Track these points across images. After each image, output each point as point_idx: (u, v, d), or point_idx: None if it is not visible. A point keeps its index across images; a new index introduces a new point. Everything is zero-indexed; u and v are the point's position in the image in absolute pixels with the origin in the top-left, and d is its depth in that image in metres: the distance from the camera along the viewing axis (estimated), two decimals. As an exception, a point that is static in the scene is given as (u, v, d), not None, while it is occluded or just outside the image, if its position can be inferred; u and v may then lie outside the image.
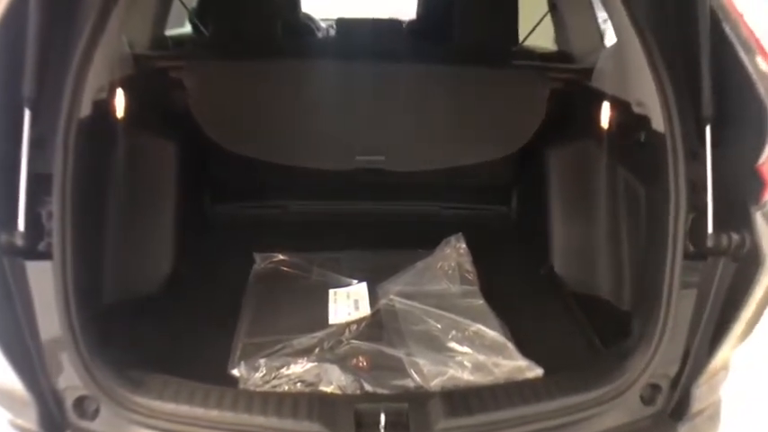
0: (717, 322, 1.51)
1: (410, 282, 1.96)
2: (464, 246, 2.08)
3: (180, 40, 2.53)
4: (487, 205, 2.51)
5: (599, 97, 1.98)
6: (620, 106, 1.87)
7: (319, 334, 1.72)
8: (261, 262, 2.09)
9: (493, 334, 1.75)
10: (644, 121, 1.63)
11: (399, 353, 1.65)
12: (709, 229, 1.46)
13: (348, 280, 1.99)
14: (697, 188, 1.47)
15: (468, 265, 2.05)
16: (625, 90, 1.78)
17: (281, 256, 2.11)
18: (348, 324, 1.78)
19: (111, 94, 1.76)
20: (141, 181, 1.90)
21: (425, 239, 2.10)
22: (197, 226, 2.26)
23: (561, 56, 2.58)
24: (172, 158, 2.03)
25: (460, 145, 2.20)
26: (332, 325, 1.78)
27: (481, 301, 1.91)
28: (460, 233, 2.10)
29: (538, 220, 2.18)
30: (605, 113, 1.96)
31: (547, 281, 2.08)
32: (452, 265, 2.03)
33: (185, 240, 2.03)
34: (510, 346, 1.71)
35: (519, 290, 2.04)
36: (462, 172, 2.32)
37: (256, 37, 2.23)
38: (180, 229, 2.00)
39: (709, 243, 1.45)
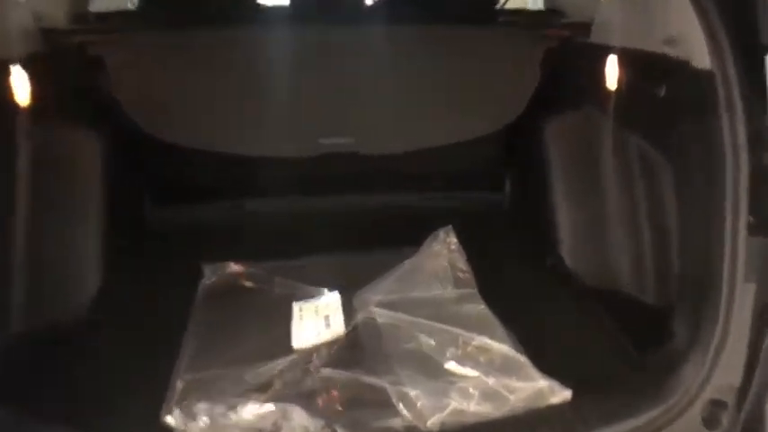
0: None
1: (394, 288, 1.58)
2: (455, 240, 1.72)
3: (105, 15, 2.14)
4: (477, 192, 2.14)
5: (603, 53, 1.64)
6: (632, 58, 1.54)
7: (280, 363, 1.35)
8: (211, 274, 1.71)
9: (502, 348, 1.39)
10: (674, 64, 1.29)
11: (384, 382, 1.28)
12: None
13: (317, 290, 1.61)
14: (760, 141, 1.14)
15: (461, 263, 1.68)
16: (645, 32, 1.44)
17: (235, 267, 1.73)
18: (317, 347, 1.41)
19: (5, 75, 1.39)
20: (57, 183, 1.56)
21: (409, 236, 1.73)
22: (133, 234, 1.88)
23: (552, 14, 2.22)
24: (97, 154, 1.67)
25: (443, 120, 1.83)
26: (296, 350, 1.40)
27: (482, 306, 1.54)
28: (450, 226, 1.73)
29: (538, 206, 1.84)
30: (612, 71, 1.63)
31: (556, 276, 1.74)
32: (444, 264, 1.66)
33: (118, 252, 1.67)
34: (526, 361, 1.35)
35: (524, 289, 1.69)
36: (446, 154, 1.95)
37: (191, 3, 1.85)
38: (110, 238, 1.65)
39: None
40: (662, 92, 1.42)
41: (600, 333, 1.51)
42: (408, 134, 1.83)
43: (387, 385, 1.27)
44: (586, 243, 1.72)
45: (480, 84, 1.80)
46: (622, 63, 1.61)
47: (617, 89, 1.62)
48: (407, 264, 1.65)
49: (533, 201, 1.89)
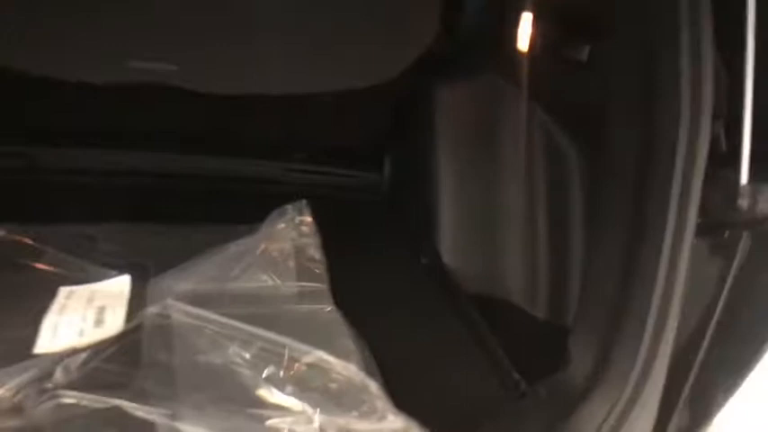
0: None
1: (209, 275, 1.14)
2: (309, 220, 1.28)
3: None
4: (350, 171, 1.70)
5: (514, 6, 1.28)
6: (551, 12, 1.21)
7: (14, 375, 0.87)
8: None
9: (346, 369, 0.97)
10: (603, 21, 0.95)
11: (154, 413, 0.83)
12: (743, 179, 0.77)
13: (102, 271, 1.14)
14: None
15: (313, 250, 1.25)
16: None
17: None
18: (72, 354, 0.94)
19: None
20: None
21: (248, 214, 1.28)
22: None
23: None
24: None
25: (305, 61, 1.38)
26: (39, 356, 0.93)
27: (329, 309, 1.12)
28: (304, 201, 1.29)
29: (420, 191, 1.46)
30: (524, 28, 1.26)
31: (432, 277, 1.36)
32: (287, 249, 1.23)
33: None
34: (376, 390, 0.94)
35: (391, 292, 1.28)
36: (310, 111, 1.52)
37: None
38: None
39: (741, 202, 0.77)
40: (585, 54, 1.08)
41: (479, 353, 1.13)
42: (253, 72, 1.37)
43: (157, 420, 0.82)
44: (471, 240, 1.36)
45: (358, 15, 1.37)
46: (539, 18, 1.25)
47: (530, 51, 1.26)
48: (237, 245, 1.21)
49: (415, 184, 1.51)
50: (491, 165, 1.31)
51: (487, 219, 1.32)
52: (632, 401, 0.83)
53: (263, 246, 1.21)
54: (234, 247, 1.20)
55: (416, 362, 1.06)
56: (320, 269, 1.22)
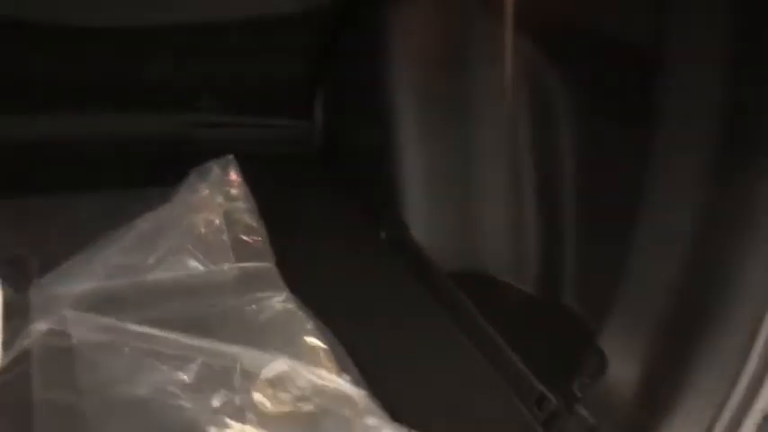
0: None
1: (116, 266, 0.85)
2: (239, 179, 1.01)
3: None
4: (275, 119, 1.36)
5: None
6: None
7: None
8: None
9: (321, 377, 0.73)
10: None
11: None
12: None
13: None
14: None
15: (248, 217, 0.98)
16: None
17: None
18: None
19: None
20: None
21: (164, 177, 0.98)
22: None
23: None
24: None
25: None
26: None
27: (282, 297, 0.86)
28: (230, 156, 1.01)
29: (368, 143, 1.19)
30: None
31: (398, 254, 1.08)
32: (216, 219, 0.95)
33: None
34: (362, 399, 0.72)
35: (352, 274, 1.02)
36: (228, 50, 1.19)
37: None
38: None
39: None
40: None
41: (480, 351, 0.91)
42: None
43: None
44: (444, 206, 1.09)
45: None
46: None
47: None
48: (146, 221, 0.91)
49: (360, 134, 1.24)
50: (460, 106, 1.04)
51: (462, 178, 1.06)
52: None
53: (183, 218, 0.93)
54: (145, 224, 0.91)
55: (408, 367, 0.83)
56: (262, 242, 0.95)
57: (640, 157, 0.70)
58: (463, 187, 1.06)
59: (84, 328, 0.74)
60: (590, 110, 0.91)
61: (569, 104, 0.94)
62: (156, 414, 0.67)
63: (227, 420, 0.68)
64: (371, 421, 0.70)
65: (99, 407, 0.67)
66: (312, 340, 0.80)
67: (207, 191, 0.98)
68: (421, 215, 1.07)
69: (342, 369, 0.77)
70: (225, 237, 0.93)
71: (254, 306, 0.84)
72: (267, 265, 0.92)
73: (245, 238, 0.95)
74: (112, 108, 1.18)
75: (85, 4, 1.00)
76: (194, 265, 0.87)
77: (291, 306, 0.85)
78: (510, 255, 1.03)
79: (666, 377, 0.68)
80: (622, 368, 0.73)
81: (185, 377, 0.70)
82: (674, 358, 0.68)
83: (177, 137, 1.14)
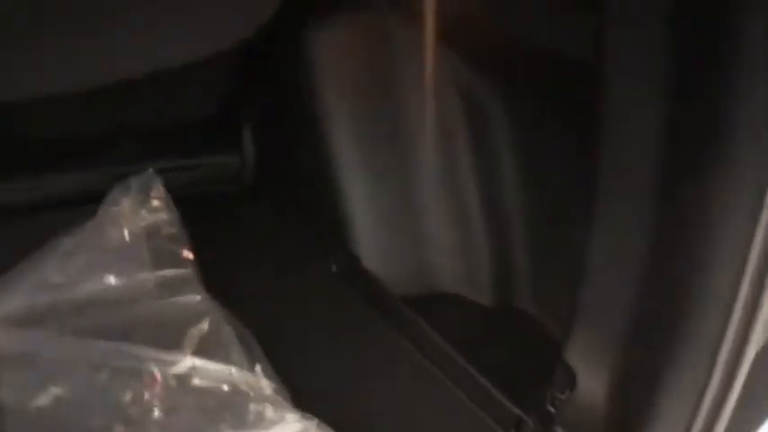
0: None
1: (39, 284, 0.90)
2: (161, 190, 1.05)
3: None
4: (201, 158, 1.26)
5: None
6: None
7: None
8: None
9: (230, 373, 0.79)
10: None
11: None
12: None
13: None
14: None
15: (169, 227, 1.03)
16: None
17: None
18: None
19: None
20: None
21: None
22: None
23: None
24: None
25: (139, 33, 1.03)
26: None
27: (199, 298, 0.92)
28: (150, 170, 1.06)
29: (305, 177, 1.18)
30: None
31: (348, 282, 1.09)
32: (136, 231, 1.00)
33: None
34: (267, 387, 0.77)
35: (293, 297, 1.05)
36: (143, 94, 1.12)
37: None
38: None
39: None
40: None
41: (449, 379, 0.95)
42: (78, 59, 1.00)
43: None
44: (394, 231, 1.07)
45: None
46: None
47: None
48: (69, 237, 0.97)
49: (294, 170, 1.22)
50: (395, 128, 1.03)
51: (404, 199, 1.05)
52: None
53: (105, 232, 0.98)
54: (67, 240, 0.96)
55: (371, 396, 0.87)
56: (183, 251, 1.00)
57: (584, 164, 0.70)
58: (407, 209, 1.05)
59: (6, 342, 0.79)
60: (530, 123, 0.92)
61: (507, 119, 0.95)
62: (70, 419, 0.72)
63: (135, 417, 0.73)
64: (270, 411, 0.76)
65: (17, 418, 0.73)
66: (225, 336, 0.86)
67: (127, 204, 1.03)
68: (369, 242, 1.07)
69: (251, 360, 0.82)
70: (143, 248, 0.98)
71: (168, 310, 0.89)
72: (186, 271, 0.97)
73: (166, 247, 1.00)
74: (29, 171, 1.15)
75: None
76: (113, 277, 0.92)
77: (207, 305, 0.91)
78: (463, 270, 1.04)
79: (637, 386, 0.72)
80: (592, 381, 0.76)
81: (97, 381, 0.76)
82: (643, 366, 0.71)
83: (99, 191, 1.05)
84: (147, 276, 0.95)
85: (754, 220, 0.58)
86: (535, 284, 1.00)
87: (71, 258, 0.94)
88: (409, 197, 1.05)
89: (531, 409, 0.84)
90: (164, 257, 0.99)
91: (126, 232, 0.99)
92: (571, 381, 0.78)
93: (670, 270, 0.66)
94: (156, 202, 1.05)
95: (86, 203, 1.05)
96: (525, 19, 0.85)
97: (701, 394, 0.66)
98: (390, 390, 0.93)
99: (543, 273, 0.98)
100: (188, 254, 1.00)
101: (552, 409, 0.80)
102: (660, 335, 0.69)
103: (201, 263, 1.00)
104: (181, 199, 1.04)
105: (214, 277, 0.98)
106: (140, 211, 1.03)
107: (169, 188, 1.06)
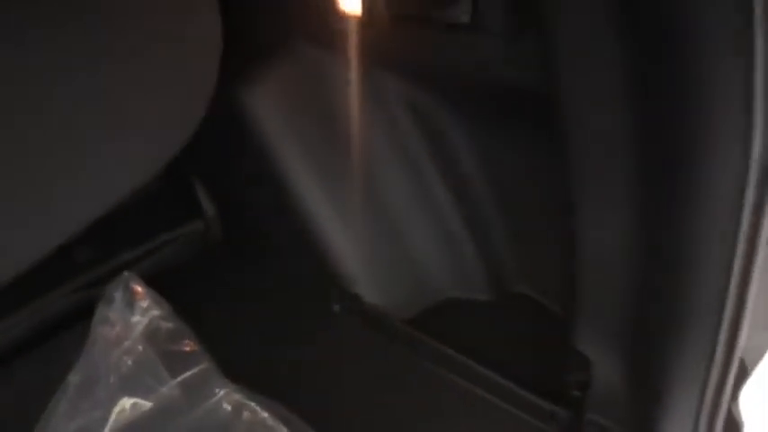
0: None
1: (72, 427, 0.89)
2: (142, 290, 1.04)
3: None
4: (163, 234, 1.22)
5: None
6: None
7: None
8: None
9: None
10: None
11: None
12: None
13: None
14: None
15: (167, 323, 1.03)
16: None
17: None
18: None
19: None
20: None
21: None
22: None
23: None
24: None
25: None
26: None
27: (224, 392, 0.93)
28: (125, 273, 1.04)
29: (274, 224, 1.17)
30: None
31: (362, 324, 1.11)
32: (137, 345, 0.99)
33: None
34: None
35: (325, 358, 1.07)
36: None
37: None
38: None
39: None
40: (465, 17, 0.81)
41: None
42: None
43: None
44: (385, 262, 1.10)
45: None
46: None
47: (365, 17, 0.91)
48: (78, 371, 0.95)
49: (263, 220, 1.21)
50: (356, 159, 1.04)
51: (392, 229, 1.07)
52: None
53: (107, 357, 0.97)
54: (77, 378, 0.95)
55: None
56: (190, 344, 1.01)
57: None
58: (393, 236, 1.08)
59: None
60: (487, 134, 0.96)
61: (465, 134, 0.98)
62: None
63: None
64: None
65: None
66: (270, 425, 0.88)
67: (118, 316, 1.01)
68: (366, 279, 1.09)
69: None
70: (153, 356, 0.97)
71: (205, 417, 0.90)
72: (202, 366, 0.97)
73: (173, 348, 0.99)
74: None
75: None
76: (137, 401, 0.92)
77: (238, 398, 0.92)
78: (457, 273, 1.08)
79: (649, 365, 0.78)
80: (606, 363, 0.82)
81: None
82: (650, 340, 0.77)
83: (73, 305, 1.08)
84: (170, 387, 0.95)
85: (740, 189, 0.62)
86: (528, 267, 1.06)
87: (89, 396, 0.93)
88: (392, 225, 1.08)
89: (558, 399, 0.91)
90: (175, 359, 0.99)
91: (128, 349, 0.98)
92: (586, 365, 0.85)
93: (662, 243, 0.71)
94: (144, 303, 1.04)
95: (71, 325, 1.04)
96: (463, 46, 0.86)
97: (711, 357, 0.74)
98: (430, 414, 0.98)
99: (534, 256, 1.04)
100: (195, 346, 1.01)
101: (578, 393, 0.88)
102: (662, 307, 0.76)
103: (204, 339, 1.00)
104: (154, 279, 1.03)
105: (220, 350, 0.99)
106: (132, 318, 1.02)
107: (143, 277, 1.04)
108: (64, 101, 0.84)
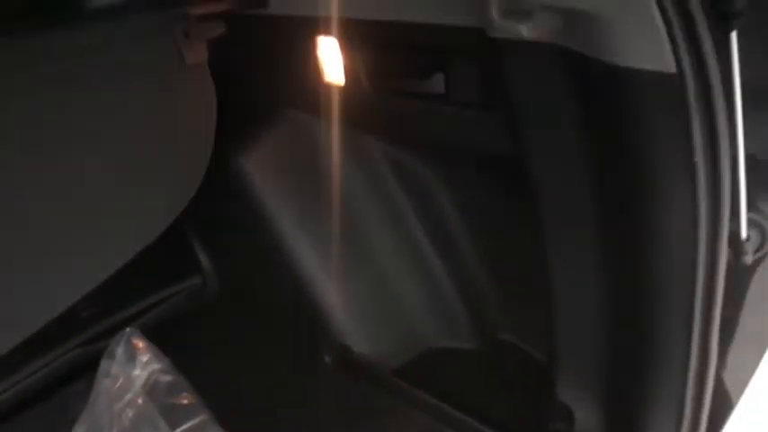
0: None
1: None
2: (143, 345, 1.10)
3: None
4: (161, 290, 1.28)
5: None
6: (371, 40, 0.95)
7: None
8: None
9: None
10: None
11: None
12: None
13: None
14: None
15: (167, 376, 1.08)
16: None
17: None
18: None
19: None
20: None
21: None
22: None
23: None
24: None
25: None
26: None
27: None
28: (127, 329, 1.09)
29: (275, 282, 1.21)
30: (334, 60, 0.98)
31: (354, 373, 1.15)
32: (137, 398, 1.04)
33: None
34: None
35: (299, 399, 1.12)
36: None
37: None
38: None
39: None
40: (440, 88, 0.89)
41: None
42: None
43: None
44: (373, 314, 1.16)
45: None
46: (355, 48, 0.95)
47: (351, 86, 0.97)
48: (82, 424, 1.01)
49: (256, 275, 1.25)
50: (346, 218, 1.11)
51: (379, 281, 1.13)
52: None
53: (109, 410, 1.02)
54: (78, 429, 1.00)
55: None
56: (188, 397, 1.05)
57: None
58: (381, 288, 1.14)
59: None
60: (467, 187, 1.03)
61: (446, 188, 1.05)
62: None
63: None
64: None
65: None
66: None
67: (120, 371, 1.06)
68: (356, 330, 1.14)
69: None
70: (152, 409, 1.02)
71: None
72: (201, 418, 1.02)
73: (172, 400, 1.04)
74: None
75: None
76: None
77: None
78: (443, 323, 1.14)
79: (627, 416, 0.82)
80: (586, 411, 0.86)
81: None
82: (627, 390, 0.81)
83: (78, 359, 1.14)
84: (168, 439, 1.00)
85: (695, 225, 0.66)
86: (512, 315, 1.11)
87: (91, 448, 0.98)
88: (379, 278, 1.14)
89: None
90: (174, 411, 1.04)
91: (129, 402, 1.03)
92: (569, 415, 0.89)
93: (627, 285, 0.76)
94: (144, 357, 1.09)
95: (77, 377, 1.10)
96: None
97: (681, 401, 0.78)
98: None
99: (517, 305, 1.09)
100: (193, 399, 1.06)
101: None
102: (632, 360, 0.81)
103: (201, 390, 1.05)
104: (154, 332, 1.08)
105: (217, 401, 1.04)
106: (133, 372, 1.07)
107: (143, 330, 1.10)
108: (72, 170, 0.91)
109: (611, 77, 0.63)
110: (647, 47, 0.60)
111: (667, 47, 0.57)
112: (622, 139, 0.67)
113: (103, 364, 1.06)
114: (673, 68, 0.58)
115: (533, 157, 0.79)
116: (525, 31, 0.67)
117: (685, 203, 0.65)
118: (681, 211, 0.67)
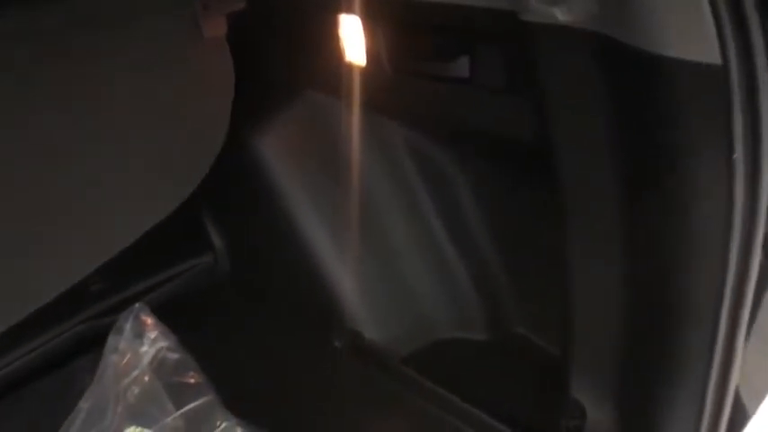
0: None
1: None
2: (151, 321, 1.08)
3: None
4: (173, 266, 1.27)
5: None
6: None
7: None
8: None
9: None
10: None
11: None
12: None
13: None
14: None
15: (173, 354, 1.07)
16: None
17: None
18: None
19: None
20: None
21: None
22: None
23: None
24: None
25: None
26: None
27: (225, 424, 0.97)
28: (137, 305, 1.08)
29: (281, 260, 1.21)
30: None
31: (365, 361, 1.13)
32: (144, 375, 1.03)
33: None
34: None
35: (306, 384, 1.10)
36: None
37: None
38: None
39: None
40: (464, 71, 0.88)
41: None
42: None
43: None
44: (386, 299, 1.14)
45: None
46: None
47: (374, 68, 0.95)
48: (88, 399, 1.00)
49: (270, 256, 1.24)
50: (362, 203, 1.09)
51: (393, 268, 1.12)
52: None
53: (116, 386, 1.01)
54: (86, 405, 0.99)
55: None
56: (195, 376, 1.04)
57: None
58: (394, 274, 1.13)
59: None
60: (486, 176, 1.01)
61: (464, 177, 1.03)
62: None
63: None
64: None
65: None
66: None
67: (128, 346, 1.05)
68: (367, 316, 1.13)
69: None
70: (158, 387, 1.01)
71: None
72: (206, 398, 1.01)
73: (178, 379, 1.03)
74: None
75: None
76: (141, 431, 0.96)
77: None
78: (456, 312, 1.12)
79: (641, 415, 0.80)
80: (598, 408, 0.84)
81: None
82: (642, 396, 0.79)
83: (86, 333, 1.14)
84: (174, 418, 0.99)
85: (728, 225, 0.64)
86: (527, 308, 1.09)
87: (98, 424, 0.97)
88: (393, 265, 1.12)
89: None
90: (180, 390, 1.02)
91: (136, 379, 1.02)
92: (580, 411, 0.87)
93: (651, 286, 0.74)
94: (152, 334, 1.08)
95: (85, 352, 1.09)
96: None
97: (701, 405, 0.76)
98: None
99: (533, 298, 1.07)
100: (199, 378, 1.04)
101: None
102: (651, 354, 0.79)
103: (209, 370, 1.04)
104: (163, 309, 1.07)
105: (224, 382, 1.03)
106: (140, 349, 1.06)
107: (152, 308, 1.09)
108: (85, 143, 0.89)
109: (648, 66, 0.61)
110: (689, 35, 0.57)
111: (713, 35, 0.55)
112: (656, 131, 0.65)
113: (111, 339, 1.05)
114: (718, 59, 0.55)
115: (560, 144, 0.76)
116: (560, 14, 0.65)
117: (720, 200, 0.62)
118: (714, 208, 0.65)
